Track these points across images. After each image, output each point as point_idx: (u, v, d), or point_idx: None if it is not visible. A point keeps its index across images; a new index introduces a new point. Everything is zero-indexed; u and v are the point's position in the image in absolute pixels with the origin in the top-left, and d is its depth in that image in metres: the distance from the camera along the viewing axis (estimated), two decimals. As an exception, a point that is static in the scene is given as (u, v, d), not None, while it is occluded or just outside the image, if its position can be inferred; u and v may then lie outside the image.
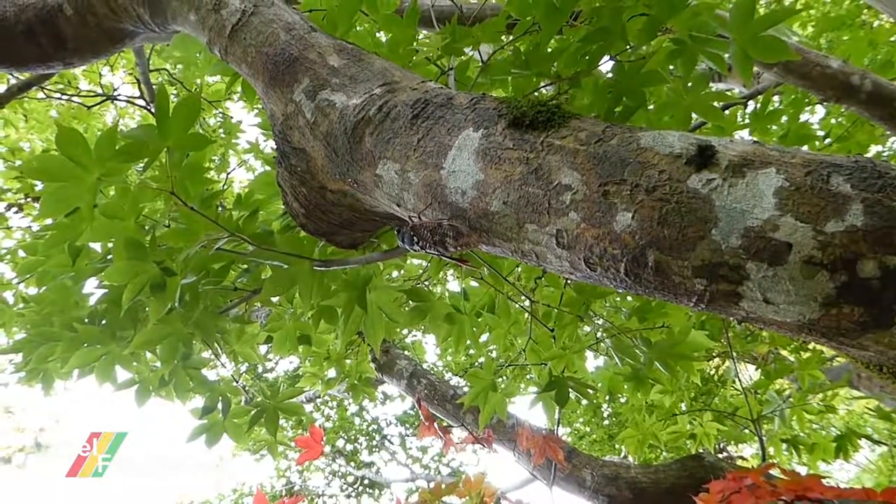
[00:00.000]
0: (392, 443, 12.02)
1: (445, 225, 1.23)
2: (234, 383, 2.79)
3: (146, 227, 2.00)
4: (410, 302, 2.53)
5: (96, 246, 2.35)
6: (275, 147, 1.65)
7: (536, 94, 1.98)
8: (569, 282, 2.66)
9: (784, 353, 6.03)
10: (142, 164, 1.74)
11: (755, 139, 1.08)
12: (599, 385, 3.23)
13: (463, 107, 1.33)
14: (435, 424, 2.78)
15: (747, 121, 2.84)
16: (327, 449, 11.38)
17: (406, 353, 5.92)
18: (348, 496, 11.84)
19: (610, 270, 1.07)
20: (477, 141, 1.24)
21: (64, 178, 1.56)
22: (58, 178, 1.56)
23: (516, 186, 1.16)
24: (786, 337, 4.98)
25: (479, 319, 2.74)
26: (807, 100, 3.63)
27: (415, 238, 1.29)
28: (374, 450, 11.90)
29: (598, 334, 2.70)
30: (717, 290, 0.98)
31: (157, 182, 1.77)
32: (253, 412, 2.66)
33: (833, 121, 4.78)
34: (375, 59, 1.58)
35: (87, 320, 2.35)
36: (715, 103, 1.87)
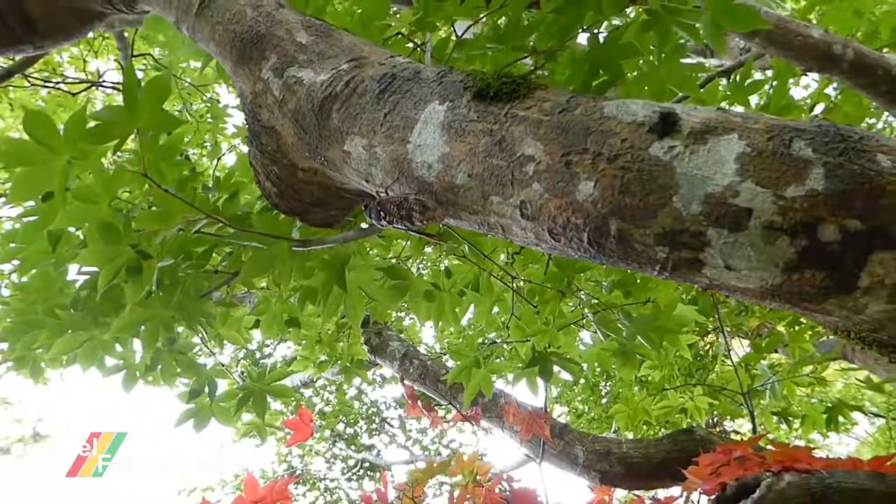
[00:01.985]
0: (392, 425, 12.09)
1: (411, 199, 1.22)
2: (234, 369, 2.79)
3: (123, 212, 1.98)
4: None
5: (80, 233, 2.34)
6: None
7: (513, 67, 1.96)
8: (550, 257, 2.65)
9: (780, 328, 6.04)
10: (122, 150, 1.73)
11: (719, 107, 1.07)
12: (586, 364, 3.23)
13: (430, 80, 1.32)
14: (419, 402, 2.78)
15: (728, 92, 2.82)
16: (327, 433, 11.45)
17: (401, 335, 5.92)
18: (349, 479, 11.91)
19: (574, 240, 1.06)
20: (442, 114, 1.23)
21: (33, 162, 1.55)
22: (27, 161, 1.55)
23: (480, 159, 1.15)
24: (774, 311, 4.98)
25: (463, 298, 2.73)
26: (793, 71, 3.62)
27: (381, 213, 1.28)
28: (374, 433, 11.96)
29: (583, 310, 2.70)
30: (680, 257, 0.97)
31: (132, 165, 1.76)
32: (240, 395, 2.66)
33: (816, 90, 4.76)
34: (344, 35, 1.57)
35: (70, 307, 2.34)
36: (700, 75, 1.87)
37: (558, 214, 1.06)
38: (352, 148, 1.36)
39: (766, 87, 2.83)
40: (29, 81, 5.78)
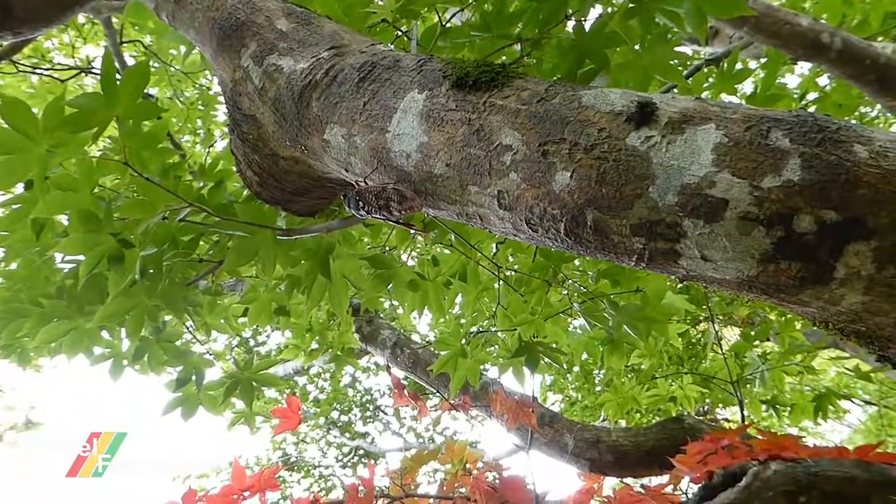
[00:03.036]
0: (386, 413, 12.10)
1: (390, 189, 1.22)
2: (228, 356, 2.79)
3: (106, 200, 1.97)
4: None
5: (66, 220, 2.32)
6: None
7: (498, 56, 1.95)
8: (537, 247, 2.64)
9: (772, 317, 6.04)
10: (105, 139, 1.71)
11: (697, 96, 1.06)
12: (573, 352, 3.23)
13: (410, 69, 1.31)
14: (406, 392, 2.78)
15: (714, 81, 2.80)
16: (322, 421, 11.46)
17: (392, 323, 5.92)
18: (344, 466, 11.94)
19: (550, 231, 1.05)
20: (421, 103, 1.22)
21: (11, 150, 1.53)
22: (5, 150, 1.53)
23: (459, 148, 1.14)
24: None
25: (450, 287, 2.73)
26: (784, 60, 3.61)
27: (360, 203, 1.27)
28: (368, 420, 11.97)
29: (570, 299, 2.70)
30: (656, 248, 0.97)
31: (115, 153, 1.75)
32: (227, 384, 2.66)
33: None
34: (325, 23, 1.55)
35: (55, 295, 2.33)
36: (693, 66, 1.86)
37: (535, 204, 1.05)
38: (331, 137, 1.35)
39: (760, 75, 2.82)
40: (17, 68, 5.73)
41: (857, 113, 5.41)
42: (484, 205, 1.13)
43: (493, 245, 2.73)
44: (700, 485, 2.36)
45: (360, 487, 2.39)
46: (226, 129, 6.46)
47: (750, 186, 0.89)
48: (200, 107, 5.90)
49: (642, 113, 1.01)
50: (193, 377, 2.63)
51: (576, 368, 9.35)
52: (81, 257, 2.07)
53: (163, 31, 4.52)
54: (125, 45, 5.44)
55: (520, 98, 1.13)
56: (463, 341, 2.95)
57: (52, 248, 2.17)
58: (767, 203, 0.87)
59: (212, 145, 6.50)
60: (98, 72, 5.85)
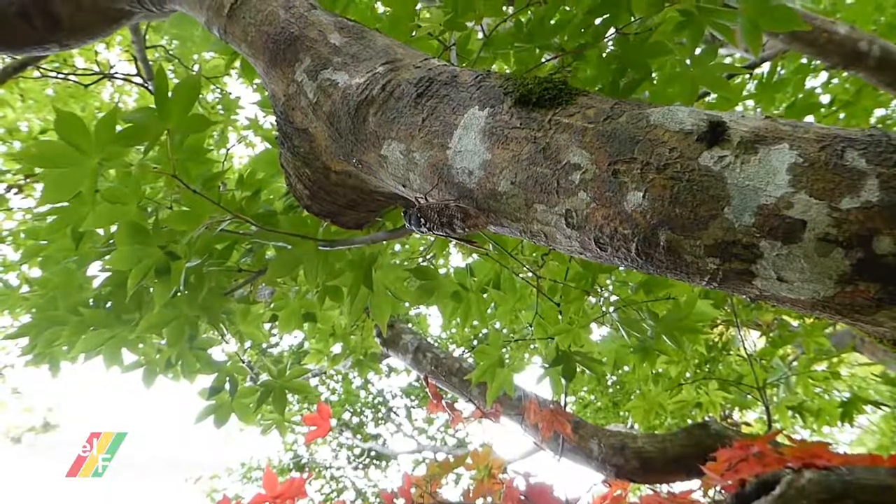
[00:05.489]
0: (398, 415, 12.13)
1: (453, 206, 1.22)
2: (240, 360, 2.80)
3: (149, 210, 1.98)
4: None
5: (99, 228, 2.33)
6: (275, 125, 1.63)
7: (539, 67, 1.95)
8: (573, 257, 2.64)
9: (788, 318, 6.01)
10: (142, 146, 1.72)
11: (767, 115, 1.06)
12: (605, 358, 3.23)
13: (468, 84, 1.31)
14: (444, 402, 2.78)
15: (754, 90, 2.80)
16: (333, 422, 11.47)
17: (411, 325, 5.92)
18: (355, 468, 11.97)
19: (621, 250, 1.05)
20: (483, 120, 1.22)
21: (64, 164, 1.54)
22: (58, 164, 1.54)
23: (524, 166, 1.14)
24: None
25: (485, 296, 2.73)
26: (812, 65, 3.59)
27: (422, 220, 1.27)
28: (379, 422, 12.01)
29: (605, 308, 2.70)
30: (730, 268, 0.96)
31: (159, 164, 1.76)
32: (260, 392, 2.67)
33: (833, 81, 4.72)
34: (377, 37, 1.56)
35: (91, 304, 2.34)
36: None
37: (605, 224, 1.05)
38: (389, 152, 1.35)
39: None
40: (41, 72, 5.76)
41: (877, 114, 5.39)
42: (550, 223, 1.13)
43: (541, 257, 2.72)
44: (732, 493, 2.35)
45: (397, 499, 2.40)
46: (244, 133, 6.43)
47: (828, 207, 0.88)
48: (221, 111, 5.91)
49: (714, 132, 1.01)
50: (227, 385, 2.64)
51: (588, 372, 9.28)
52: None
53: (186, 37, 4.53)
54: (147, 49, 5.46)
55: (585, 116, 1.13)
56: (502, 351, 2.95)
57: (92, 258, 2.18)
58: (846, 224, 0.87)
59: (228, 149, 6.51)
60: (119, 77, 5.89)
